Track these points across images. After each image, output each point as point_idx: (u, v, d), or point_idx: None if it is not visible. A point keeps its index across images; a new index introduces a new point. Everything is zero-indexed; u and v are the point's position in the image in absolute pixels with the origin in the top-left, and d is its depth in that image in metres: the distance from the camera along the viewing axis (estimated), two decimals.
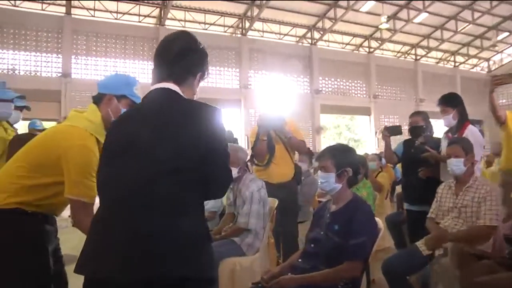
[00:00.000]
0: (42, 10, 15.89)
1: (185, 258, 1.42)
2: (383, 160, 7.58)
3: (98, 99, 2.39)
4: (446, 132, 3.82)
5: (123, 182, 1.50)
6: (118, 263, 1.38)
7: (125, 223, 1.43)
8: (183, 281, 1.40)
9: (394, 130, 4.34)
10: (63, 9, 16.14)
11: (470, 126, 3.72)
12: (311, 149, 8.62)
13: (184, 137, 1.51)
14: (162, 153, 1.48)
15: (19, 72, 15.54)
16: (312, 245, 2.49)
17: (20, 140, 3.11)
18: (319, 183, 2.57)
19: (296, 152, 4.89)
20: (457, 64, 25.58)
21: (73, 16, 16.26)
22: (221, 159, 1.59)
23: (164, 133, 1.53)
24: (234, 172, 3.48)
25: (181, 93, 1.63)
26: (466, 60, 25.61)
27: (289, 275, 2.30)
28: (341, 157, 2.50)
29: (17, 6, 15.42)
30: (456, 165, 3.03)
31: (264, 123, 4.27)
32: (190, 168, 1.49)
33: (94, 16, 16.89)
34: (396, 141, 4.69)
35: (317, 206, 2.90)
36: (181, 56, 1.64)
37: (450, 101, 3.77)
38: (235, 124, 17.85)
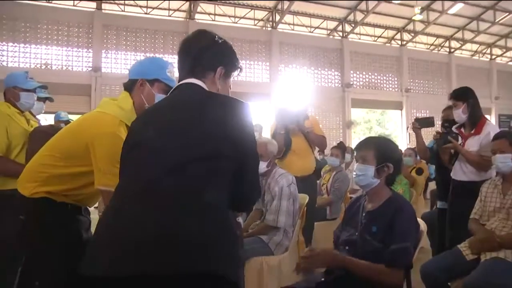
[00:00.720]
0: (74, 6, 16.07)
1: (199, 254, 1.32)
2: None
3: (129, 86, 2.31)
4: (458, 128, 3.58)
5: (142, 172, 1.47)
6: (124, 257, 1.31)
7: (136, 215, 1.37)
8: (196, 279, 1.30)
9: (425, 122, 4.14)
10: (94, 5, 16.31)
11: (489, 122, 3.50)
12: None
13: (210, 127, 1.48)
14: (185, 143, 1.46)
15: (51, 67, 15.79)
16: (347, 248, 2.27)
17: (41, 132, 3.06)
18: (355, 175, 2.33)
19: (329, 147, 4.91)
20: (493, 57, 24.66)
21: (103, 11, 16.41)
22: (251, 157, 1.57)
23: (189, 123, 1.50)
24: (263, 165, 3.33)
25: (205, 87, 1.64)
26: (504, 53, 24.65)
27: (332, 251, 2.15)
28: (384, 150, 2.29)
29: (50, 2, 15.69)
30: (502, 161, 2.79)
31: (282, 117, 4.32)
32: (215, 158, 1.45)
33: (124, 11, 16.98)
34: (429, 135, 4.47)
35: (349, 202, 2.67)
36: (199, 54, 1.65)
37: (460, 95, 3.55)
38: (264, 118, 17.72)
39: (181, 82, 1.66)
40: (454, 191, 3.54)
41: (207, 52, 1.65)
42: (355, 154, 2.33)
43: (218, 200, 1.42)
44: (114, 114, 2.13)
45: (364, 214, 2.25)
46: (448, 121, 3.86)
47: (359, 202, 2.39)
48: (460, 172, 3.47)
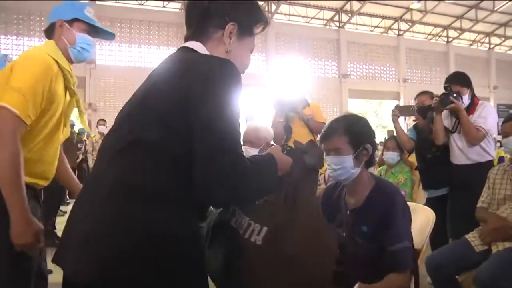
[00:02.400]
0: None
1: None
2: None
3: (49, 32, 2.11)
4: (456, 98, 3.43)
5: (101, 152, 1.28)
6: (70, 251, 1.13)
7: (84, 202, 1.22)
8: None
9: (406, 110, 3.94)
10: None
11: (481, 102, 3.44)
12: None
13: (159, 93, 1.19)
14: (132, 115, 1.23)
15: None
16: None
17: None
18: (330, 171, 1.91)
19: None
20: (492, 46, 24.49)
21: (97, 2, 16.15)
22: (208, 128, 1.11)
23: (145, 91, 1.26)
24: (254, 152, 3.09)
25: (202, 50, 1.31)
26: (503, 41, 24.49)
27: None
28: (358, 131, 1.87)
29: None
30: None
31: (280, 106, 4.12)
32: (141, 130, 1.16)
33: (118, 1, 16.76)
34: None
35: (324, 189, 2.21)
36: (205, 10, 1.32)
37: (465, 80, 3.39)
38: (261, 108, 17.57)
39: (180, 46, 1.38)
40: (456, 178, 3.38)
41: (214, 7, 1.33)
42: (322, 146, 1.90)
43: (130, 183, 1.12)
44: (42, 50, 1.96)
45: (348, 212, 1.90)
46: (421, 109, 3.67)
47: (336, 194, 2.02)
48: (461, 155, 3.31)
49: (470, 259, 2.40)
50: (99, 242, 1.08)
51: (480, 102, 3.41)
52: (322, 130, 1.98)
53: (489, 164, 3.18)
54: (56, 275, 4.14)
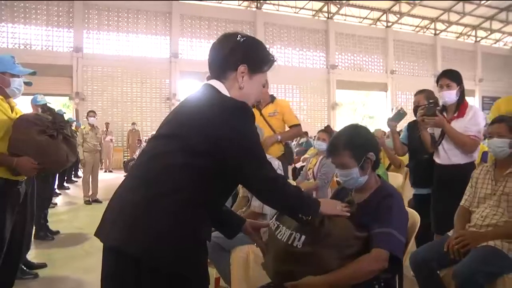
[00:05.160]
0: None
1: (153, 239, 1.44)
2: None
3: None
4: (441, 111, 3.48)
5: (137, 161, 1.68)
6: (107, 230, 1.52)
7: (121, 193, 1.57)
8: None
9: (397, 116, 3.98)
10: None
11: (472, 105, 3.44)
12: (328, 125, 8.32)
13: (184, 121, 1.58)
14: (170, 132, 1.60)
15: (30, 47, 15.42)
16: None
17: (27, 122, 2.98)
18: (341, 181, 2.12)
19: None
20: (478, 39, 24.78)
21: None
22: (243, 157, 1.54)
23: (183, 115, 1.62)
24: None
25: (222, 88, 1.65)
26: (489, 35, 24.80)
27: (309, 277, 1.79)
28: (359, 143, 2.02)
29: None
30: (500, 146, 2.69)
31: None
32: (194, 151, 1.50)
33: None
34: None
35: (334, 190, 2.50)
36: (223, 60, 1.67)
37: (456, 76, 3.43)
38: None
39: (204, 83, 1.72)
40: (439, 177, 3.47)
41: (229, 55, 1.66)
42: (321, 161, 2.16)
43: (170, 191, 1.48)
44: None
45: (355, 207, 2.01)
46: (416, 109, 3.75)
47: (346, 192, 2.20)
48: (445, 156, 3.40)
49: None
50: (143, 223, 1.44)
51: (469, 105, 3.41)
52: (327, 147, 2.16)
53: (469, 166, 3.26)
54: (49, 270, 4.21)
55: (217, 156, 1.49)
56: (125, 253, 1.43)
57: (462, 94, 3.41)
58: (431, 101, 3.50)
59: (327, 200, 1.84)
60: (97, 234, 1.53)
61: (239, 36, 1.69)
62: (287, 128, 4.51)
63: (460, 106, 3.36)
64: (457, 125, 3.30)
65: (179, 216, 1.47)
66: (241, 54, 1.66)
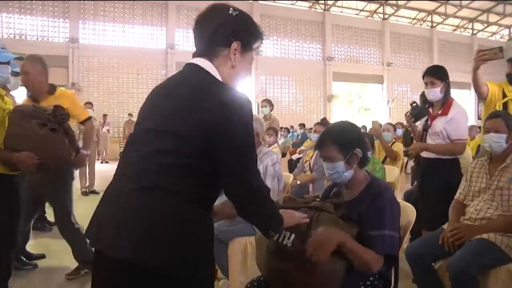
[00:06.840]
0: None
1: (154, 242, 1.35)
2: (398, 131, 7.34)
3: None
4: (428, 107, 3.55)
5: (127, 157, 1.53)
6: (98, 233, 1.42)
7: (117, 195, 1.45)
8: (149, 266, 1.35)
9: (418, 113, 3.89)
10: None
11: (455, 103, 3.48)
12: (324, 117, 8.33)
13: (191, 112, 1.42)
14: (162, 127, 1.45)
15: (25, 37, 15.32)
16: None
17: (22, 114, 2.88)
18: (327, 175, 2.15)
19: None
20: (475, 32, 24.79)
21: None
22: (234, 143, 1.41)
23: (174, 107, 1.46)
24: None
25: (211, 68, 1.53)
26: (485, 28, 24.80)
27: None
28: (345, 139, 2.08)
29: None
30: (496, 141, 2.73)
31: None
32: (191, 146, 1.40)
33: None
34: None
35: (325, 189, 2.54)
36: (212, 34, 1.53)
37: (439, 73, 3.47)
38: (246, 91, 17.63)
39: (188, 62, 1.58)
40: (423, 169, 3.54)
41: (220, 30, 1.52)
42: (318, 153, 2.17)
43: (171, 194, 1.39)
44: None
45: (343, 204, 2.08)
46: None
47: (332, 191, 2.24)
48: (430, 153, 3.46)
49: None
50: (134, 227, 1.35)
51: (453, 103, 3.45)
52: (316, 140, 2.22)
53: (453, 161, 3.36)
54: (48, 260, 4.22)
55: (213, 155, 1.39)
56: (135, 263, 1.33)
57: (447, 90, 3.45)
58: (412, 102, 3.59)
59: (284, 211, 1.76)
60: (93, 243, 1.47)
61: (231, 9, 1.57)
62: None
63: (445, 104, 3.41)
64: (439, 123, 3.38)
65: (185, 220, 1.40)
66: (233, 29, 1.53)
